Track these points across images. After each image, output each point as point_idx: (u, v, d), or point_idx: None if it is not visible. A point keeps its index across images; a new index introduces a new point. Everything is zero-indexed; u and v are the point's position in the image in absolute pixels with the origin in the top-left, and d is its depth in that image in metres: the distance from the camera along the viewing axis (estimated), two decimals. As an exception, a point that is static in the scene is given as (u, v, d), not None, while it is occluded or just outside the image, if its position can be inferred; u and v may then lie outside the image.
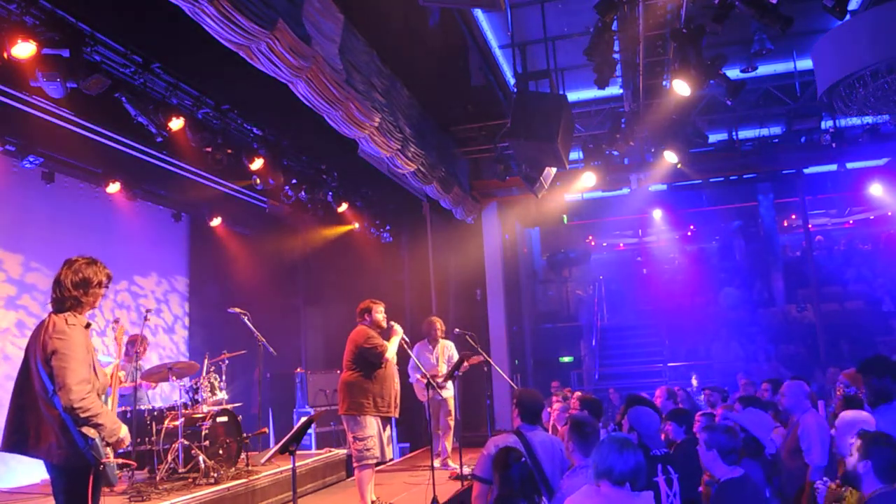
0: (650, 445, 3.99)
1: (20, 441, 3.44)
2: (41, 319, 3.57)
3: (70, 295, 3.49)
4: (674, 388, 7.36)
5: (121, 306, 9.12)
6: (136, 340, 7.11)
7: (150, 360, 8.13)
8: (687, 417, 4.99)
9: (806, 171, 12.57)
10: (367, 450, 5.56)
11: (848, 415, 3.94)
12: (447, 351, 7.88)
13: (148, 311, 6.65)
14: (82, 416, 3.35)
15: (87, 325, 3.57)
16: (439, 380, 7.33)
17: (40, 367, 3.40)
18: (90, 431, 3.40)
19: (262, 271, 10.84)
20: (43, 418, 3.40)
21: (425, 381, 6.25)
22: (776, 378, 7.48)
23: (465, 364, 7.19)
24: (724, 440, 3.63)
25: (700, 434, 3.81)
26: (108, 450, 3.51)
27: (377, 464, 5.75)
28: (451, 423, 7.82)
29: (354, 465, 5.66)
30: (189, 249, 10.60)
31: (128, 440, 3.67)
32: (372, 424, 5.61)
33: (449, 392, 7.65)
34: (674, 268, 19.10)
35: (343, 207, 10.31)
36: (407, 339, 5.93)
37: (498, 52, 9.50)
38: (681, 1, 6.75)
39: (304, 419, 4.27)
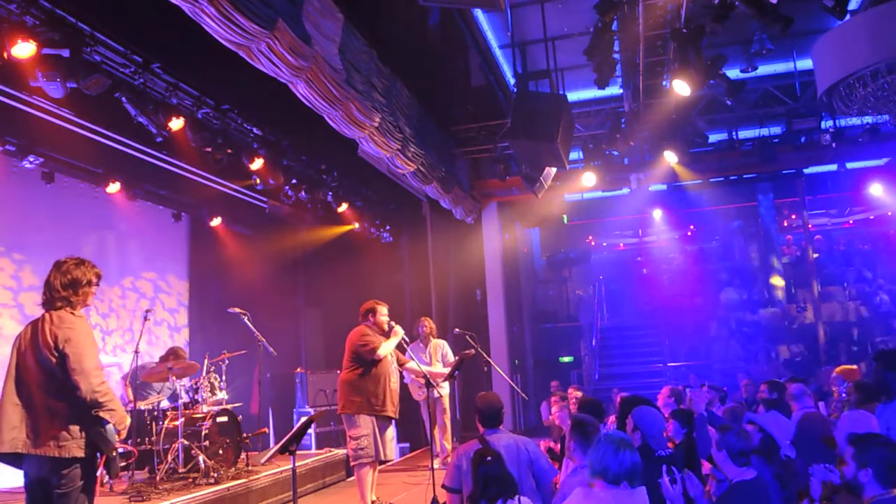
0: (655, 447, 3.96)
1: (16, 440, 3.42)
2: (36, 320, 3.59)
3: (59, 296, 3.56)
4: (678, 387, 7.33)
5: (121, 307, 9.11)
6: (176, 355, 6.88)
7: (154, 358, 8.09)
8: (689, 418, 4.99)
9: (806, 171, 12.60)
10: (362, 448, 5.57)
11: (850, 415, 3.95)
12: (440, 349, 7.92)
13: (148, 311, 6.66)
14: (100, 399, 3.40)
15: None
16: (439, 379, 7.33)
17: (45, 360, 3.43)
18: (105, 415, 3.44)
19: (262, 271, 10.81)
20: (42, 414, 3.41)
21: (423, 380, 6.25)
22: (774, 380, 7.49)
23: (465, 352, 7.22)
24: (734, 441, 3.58)
25: (713, 435, 3.75)
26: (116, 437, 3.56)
27: (380, 462, 5.76)
28: (448, 421, 7.87)
29: (352, 464, 5.69)
30: (189, 249, 10.57)
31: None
32: (366, 423, 5.61)
33: (445, 390, 7.70)
34: (674, 268, 19.08)
35: (343, 207, 10.30)
36: (406, 339, 5.94)
37: (498, 52, 9.51)
38: (681, 1, 6.75)
39: (304, 419, 4.27)
